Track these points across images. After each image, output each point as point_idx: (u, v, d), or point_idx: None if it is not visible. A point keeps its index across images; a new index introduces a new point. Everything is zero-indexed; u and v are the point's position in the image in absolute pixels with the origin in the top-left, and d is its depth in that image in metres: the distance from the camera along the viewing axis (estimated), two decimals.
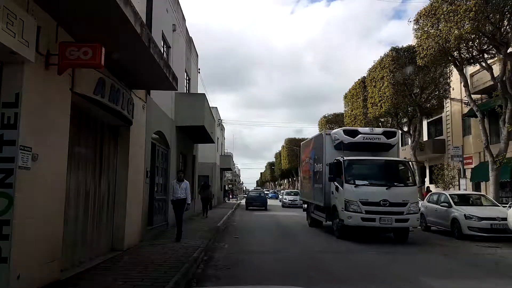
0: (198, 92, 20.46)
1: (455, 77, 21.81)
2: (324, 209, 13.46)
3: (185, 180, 10.93)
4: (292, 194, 36.40)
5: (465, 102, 22.14)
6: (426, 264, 8.57)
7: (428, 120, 27.21)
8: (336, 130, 13.84)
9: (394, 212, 11.27)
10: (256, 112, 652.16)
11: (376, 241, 11.98)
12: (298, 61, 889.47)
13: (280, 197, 45.08)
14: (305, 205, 17.20)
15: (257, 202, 30.46)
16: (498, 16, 14.86)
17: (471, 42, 16.40)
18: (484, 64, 17.03)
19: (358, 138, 12.69)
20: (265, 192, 48.50)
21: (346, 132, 13.04)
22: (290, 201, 33.95)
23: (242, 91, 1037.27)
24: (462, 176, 20.66)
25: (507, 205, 13.71)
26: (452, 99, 23.84)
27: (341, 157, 12.18)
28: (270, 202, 41.32)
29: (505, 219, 11.94)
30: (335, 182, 12.12)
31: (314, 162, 14.64)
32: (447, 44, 16.31)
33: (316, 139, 14.92)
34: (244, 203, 34.19)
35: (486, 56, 17.02)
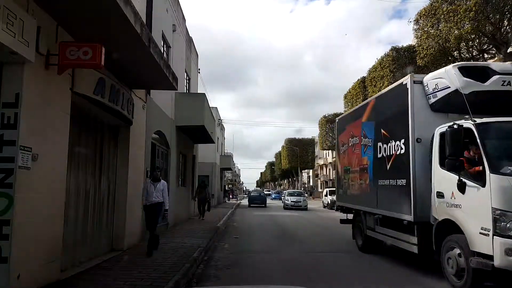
0: (198, 92, 20.46)
1: None
2: (413, 227, 7.13)
3: (162, 180, 8.87)
4: (296, 194, 33.77)
5: None
6: (426, 264, 8.55)
7: None
8: (440, 71, 7.35)
9: None
10: (256, 112, 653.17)
11: None
12: (298, 60, 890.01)
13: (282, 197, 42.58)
14: (345, 214, 11.38)
15: (258, 200, 36.38)
16: (498, 16, 14.87)
17: (471, 42, 16.42)
18: None
19: (493, 82, 6.55)
20: (266, 192, 51.96)
21: (467, 71, 6.72)
22: (293, 202, 30.96)
23: (241, 90, 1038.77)
24: None
25: None
26: None
27: (471, 120, 6.08)
28: (274, 203, 41.73)
29: None
30: (458, 173, 5.97)
31: (377, 141, 8.66)
32: (447, 44, 16.32)
33: (384, 98, 8.76)
34: (245, 203, 39.08)
35: (486, 56, 17.03)
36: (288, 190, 42.29)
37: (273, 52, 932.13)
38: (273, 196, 59.96)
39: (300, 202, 31.01)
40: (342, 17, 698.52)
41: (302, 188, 64.16)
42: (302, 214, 25.43)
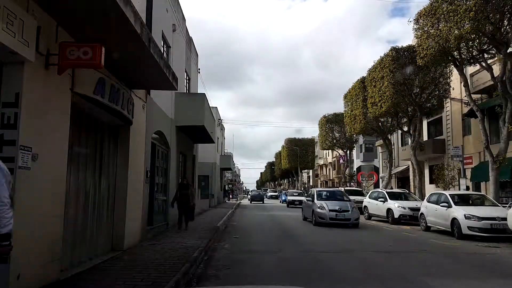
0: (198, 92, 20.46)
1: (455, 77, 21.80)
2: None
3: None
4: (334, 197, 17.90)
5: (465, 102, 22.15)
6: (426, 264, 8.56)
7: (428, 120, 27.26)
8: None
9: None
10: (255, 111, 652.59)
11: (376, 239, 11.97)
12: (296, 58, 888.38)
13: (291, 198, 34.81)
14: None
15: (258, 198, 46.64)
16: (498, 16, 14.83)
17: (471, 42, 16.38)
18: (484, 64, 17.02)
19: None
20: (273, 194, 62.77)
21: None
22: (335, 214, 16.15)
23: (239, 89, 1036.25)
24: (462, 176, 20.66)
25: (507, 205, 13.72)
26: (452, 99, 23.85)
27: None
28: (280, 206, 38.94)
29: (505, 219, 11.94)
30: None
31: None
32: (447, 44, 16.30)
33: None
34: (244, 203, 44.63)
35: (486, 56, 17.01)
36: (317, 189, 21.01)
37: (270, 50, 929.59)
38: (283, 198, 44.41)
39: (349, 211, 16.38)
40: (340, 15, 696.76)
41: (302, 188, 63.56)
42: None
